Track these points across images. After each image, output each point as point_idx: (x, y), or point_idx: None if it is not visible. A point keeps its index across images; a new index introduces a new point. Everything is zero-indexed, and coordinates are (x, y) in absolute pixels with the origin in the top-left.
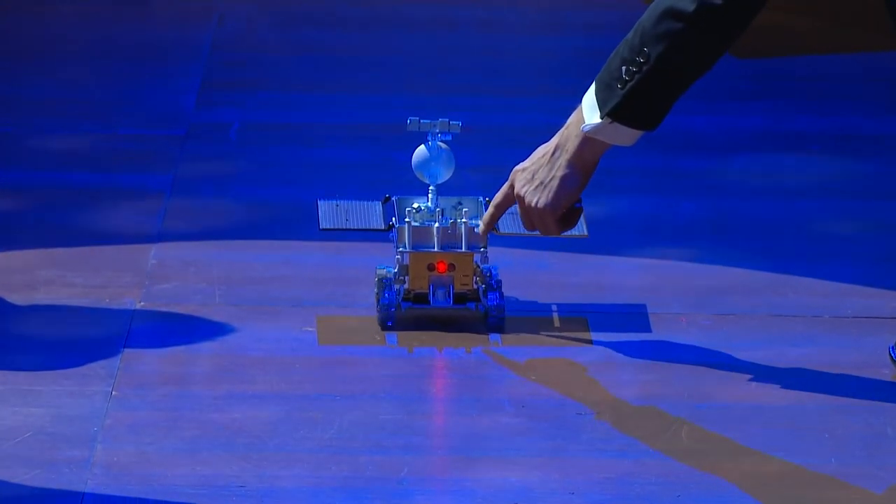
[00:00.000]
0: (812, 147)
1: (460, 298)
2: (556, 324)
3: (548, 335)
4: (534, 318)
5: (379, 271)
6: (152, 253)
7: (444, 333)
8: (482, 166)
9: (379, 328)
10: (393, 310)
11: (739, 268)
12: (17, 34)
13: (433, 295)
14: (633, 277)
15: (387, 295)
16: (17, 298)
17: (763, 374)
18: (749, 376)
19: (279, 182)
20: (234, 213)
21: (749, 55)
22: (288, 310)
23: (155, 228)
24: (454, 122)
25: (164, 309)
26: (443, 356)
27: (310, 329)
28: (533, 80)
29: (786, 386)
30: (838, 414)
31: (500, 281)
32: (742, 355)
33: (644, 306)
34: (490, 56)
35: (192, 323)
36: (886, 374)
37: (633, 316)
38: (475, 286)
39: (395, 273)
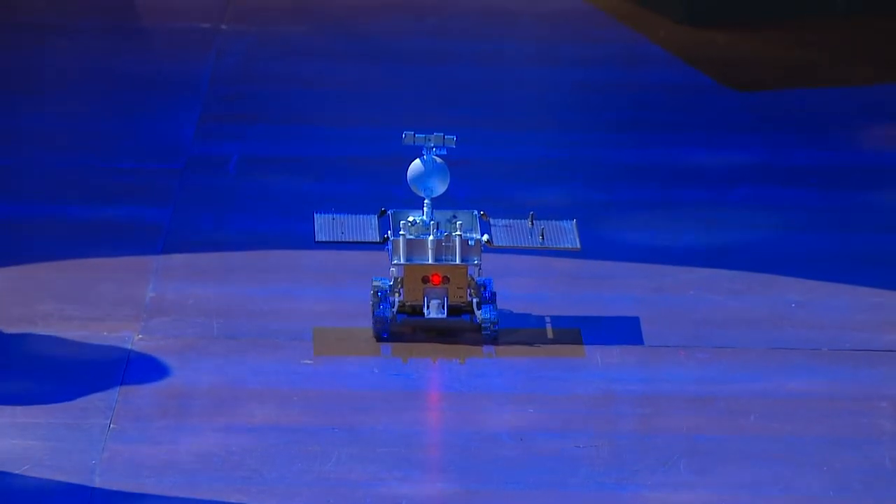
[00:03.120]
0: (811, 180)
1: (455, 310)
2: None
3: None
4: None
5: (374, 284)
6: (150, 286)
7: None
8: (479, 198)
9: (374, 340)
10: (388, 322)
11: (737, 301)
12: (17, 67)
13: (427, 307)
14: (631, 309)
15: (382, 307)
16: (15, 331)
17: (761, 407)
18: (747, 409)
19: (278, 215)
20: (233, 245)
21: (748, 88)
22: (286, 343)
23: (153, 261)
24: (449, 137)
25: (162, 342)
26: (441, 383)
27: (308, 362)
28: (530, 114)
29: (784, 419)
30: (837, 446)
31: (494, 293)
32: (740, 388)
33: (642, 339)
34: (488, 89)
35: (191, 356)
36: (885, 406)
37: (631, 348)
38: (469, 298)
39: (391, 285)
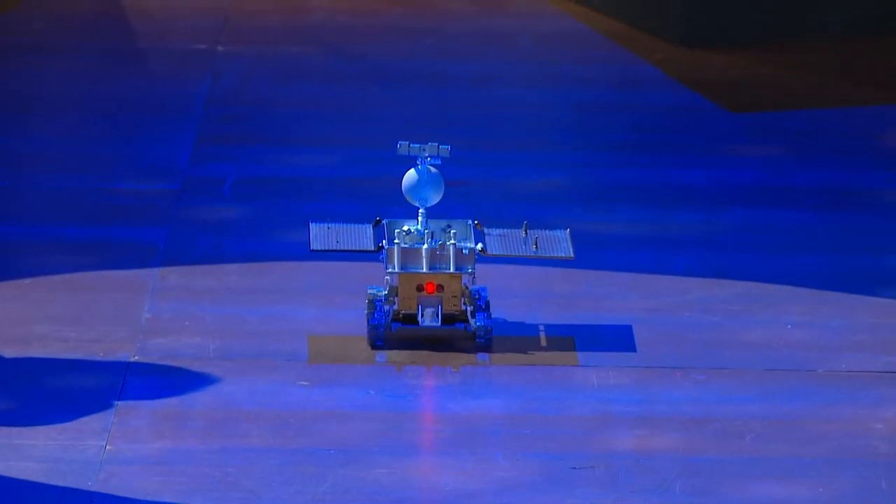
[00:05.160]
0: (807, 201)
1: (449, 319)
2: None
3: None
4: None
5: (369, 292)
6: (147, 307)
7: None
8: (476, 218)
9: (368, 349)
10: (382, 330)
11: (733, 322)
12: (14, 88)
13: (422, 315)
14: (627, 330)
15: (377, 315)
16: (11, 352)
17: (757, 428)
18: (743, 430)
19: (274, 236)
20: (229, 266)
21: (744, 109)
22: (282, 364)
23: (149, 282)
24: (443, 147)
25: (158, 363)
26: (436, 404)
27: (304, 383)
28: (528, 135)
29: (780, 440)
30: (832, 468)
31: (488, 302)
32: (736, 409)
33: (638, 359)
34: (485, 110)
35: (187, 377)
36: (880, 428)
37: (627, 369)
38: (463, 307)
39: (385, 294)
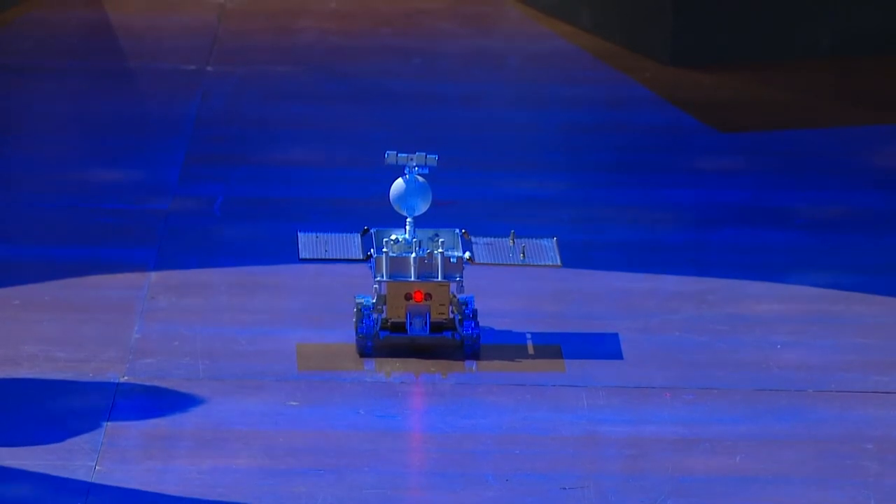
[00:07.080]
0: (796, 221)
1: (437, 327)
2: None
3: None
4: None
5: (357, 301)
6: (136, 327)
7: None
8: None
9: (357, 357)
10: (371, 339)
11: (723, 342)
12: (2, 109)
13: (410, 324)
14: (617, 350)
15: (365, 324)
16: (0, 373)
17: (747, 448)
18: (733, 450)
19: (263, 256)
20: (218, 286)
21: (733, 129)
22: (272, 384)
23: (139, 303)
24: (430, 156)
25: (147, 383)
26: (426, 424)
27: (294, 403)
28: (517, 154)
29: (770, 460)
30: (822, 488)
31: (475, 310)
32: (726, 429)
33: (628, 379)
34: (472, 130)
35: (176, 397)
36: (870, 448)
37: (616, 389)
38: (451, 315)
39: (373, 303)
